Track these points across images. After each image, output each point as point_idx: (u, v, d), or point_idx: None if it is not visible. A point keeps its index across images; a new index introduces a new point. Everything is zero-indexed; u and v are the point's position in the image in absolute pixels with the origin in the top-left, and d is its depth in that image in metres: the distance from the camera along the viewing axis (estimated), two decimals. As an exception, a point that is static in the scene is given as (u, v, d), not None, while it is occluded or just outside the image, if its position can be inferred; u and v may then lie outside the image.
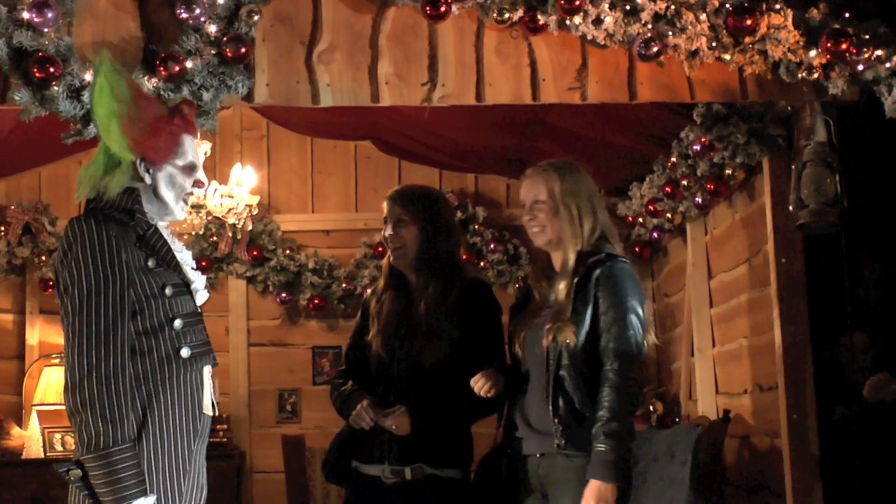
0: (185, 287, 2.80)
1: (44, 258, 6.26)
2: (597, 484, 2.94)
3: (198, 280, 2.87)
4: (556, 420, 3.03)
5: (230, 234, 6.33)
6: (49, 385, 6.05)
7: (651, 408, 5.85)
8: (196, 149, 2.91)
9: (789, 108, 4.13)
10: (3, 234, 6.27)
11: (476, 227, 6.56)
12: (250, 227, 6.23)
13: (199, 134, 2.99)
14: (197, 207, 5.73)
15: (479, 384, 3.13)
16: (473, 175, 6.81)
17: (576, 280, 3.06)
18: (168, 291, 2.73)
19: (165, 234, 2.85)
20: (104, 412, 2.51)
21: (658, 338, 6.38)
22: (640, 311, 3.06)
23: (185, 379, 2.71)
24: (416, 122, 5.45)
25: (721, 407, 5.14)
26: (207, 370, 2.80)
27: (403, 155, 6.64)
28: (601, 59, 3.87)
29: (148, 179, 2.81)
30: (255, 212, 6.07)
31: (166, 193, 2.84)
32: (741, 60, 3.74)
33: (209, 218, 5.94)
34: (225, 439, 6.19)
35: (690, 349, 5.66)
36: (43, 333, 6.47)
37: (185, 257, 2.87)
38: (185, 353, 2.71)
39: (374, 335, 3.46)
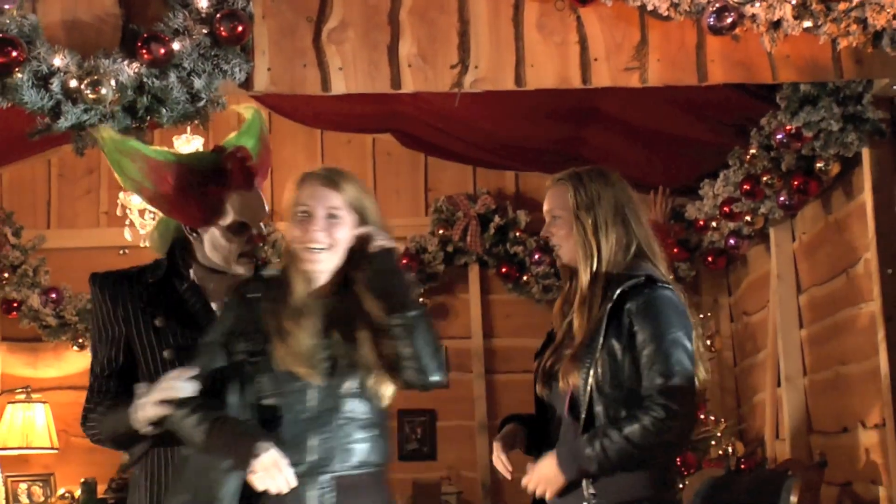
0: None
1: (6, 275, 6.29)
2: (552, 463, 2.97)
3: None
4: None
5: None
6: (13, 426, 6.09)
7: (729, 449, 5.80)
8: (250, 202, 3.12)
9: (894, 87, 4.08)
10: (-41, 247, 6.32)
11: (517, 234, 6.55)
12: (250, 237, 6.26)
13: (258, 181, 3.18)
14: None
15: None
16: (513, 173, 6.80)
17: (608, 307, 3.02)
18: (167, 355, 3.01)
19: (212, 287, 3.11)
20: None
21: (736, 364, 6.42)
22: (687, 344, 3.00)
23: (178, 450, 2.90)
24: (445, 110, 5.44)
25: (815, 448, 5.09)
26: None
27: (430, 150, 6.64)
28: (664, 33, 3.85)
29: (193, 239, 3.15)
30: (255, 219, 6.09)
31: (212, 254, 3.13)
32: (834, 31, 3.71)
33: (201, 227, 5.97)
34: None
35: (776, 378, 5.61)
36: (6, 364, 6.51)
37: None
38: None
39: None
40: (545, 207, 3.23)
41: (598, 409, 3.00)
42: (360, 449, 2.79)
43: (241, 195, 3.10)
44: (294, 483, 2.69)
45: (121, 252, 6.15)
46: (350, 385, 2.80)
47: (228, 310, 2.89)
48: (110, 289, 3.11)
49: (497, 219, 6.54)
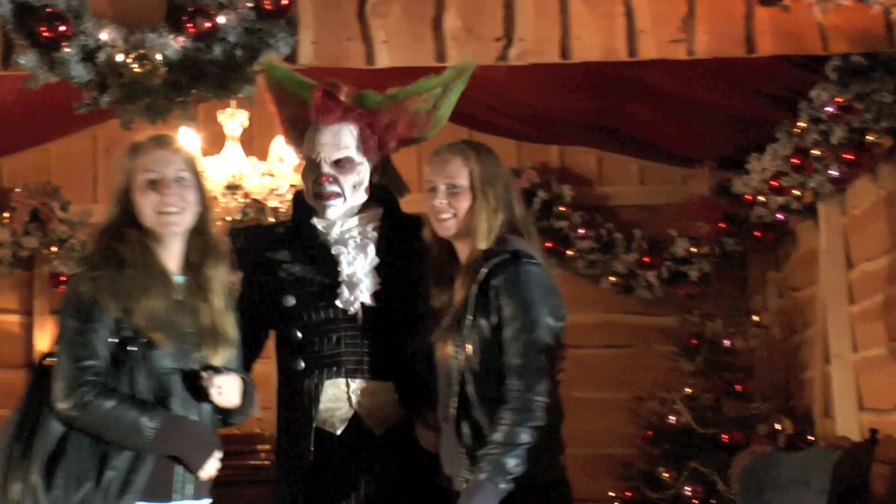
0: (328, 292, 3.11)
1: (54, 249, 6.37)
2: None
3: (348, 285, 3.13)
4: (462, 450, 3.01)
5: (272, 220, 6.38)
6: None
7: (777, 426, 5.79)
8: (320, 138, 3.15)
9: (948, 58, 4.05)
10: (6, 221, 6.37)
11: (562, 208, 6.54)
12: (295, 212, 6.28)
13: (334, 118, 3.18)
14: (233, 188, 5.79)
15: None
16: (558, 147, 6.78)
17: (475, 286, 3.01)
18: (291, 301, 3.13)
19: (338, 231, 3.17)
20: None
21: (784, 341, 6.38)
22: (549, 321, 3.01)
23: (295, 390, 3.09)
24: (490, 84, 5.44)
25: (866, 425, 5.06)
26: (336, 383, 3.10)
27: (475, 124, 6.62)
28: (712, 4, 3.83)
29: None
30: (300, 193, 6.10)
31: (305, 193, 3.22)
32: (887, 0, 3.67)
33: (247, 200, 5.99)
34: (268, 461, 6.24)
35: (825, 355, 5.58)
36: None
37: (347, 257, 3.15)
38: (300, 364, 3.11)
39: None
40: (441, 176, 3.15)
41: (470, 388, 3.01)
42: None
43: (313, 129, 3.16)
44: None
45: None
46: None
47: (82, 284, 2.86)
48: (243, 243, 3.25)
49: (541, 193, 6.53)
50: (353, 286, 3.13)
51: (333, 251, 3.16)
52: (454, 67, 3.32)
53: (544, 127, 6.46)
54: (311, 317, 3.12)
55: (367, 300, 3.14)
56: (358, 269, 3.15)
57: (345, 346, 3.11)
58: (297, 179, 6.00)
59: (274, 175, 5.96)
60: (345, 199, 3.16)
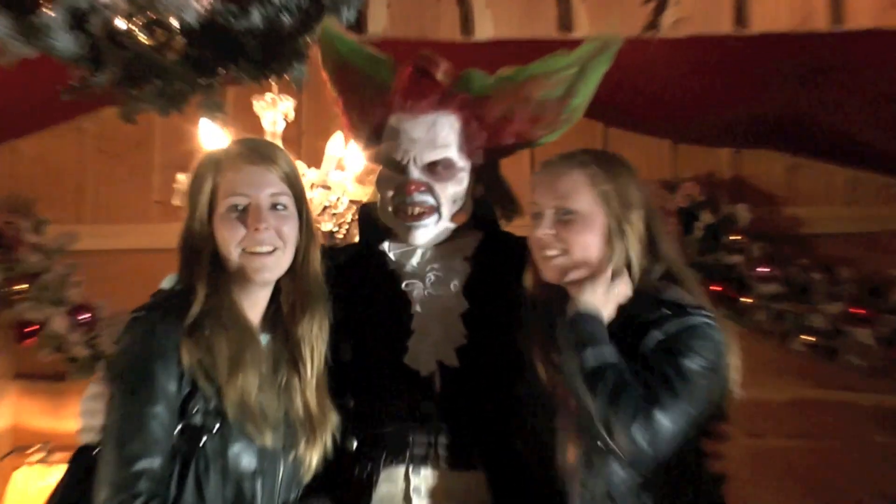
0: (394, 344, 3.13)
1: (23, 287, 6.40)
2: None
3: (421, 336, 3.14)
4: None
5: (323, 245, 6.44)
6: (26, 497, 6.20)
7: None
8: (413, 132, 3.18)
9: None
10: (-42, 246, 6.45)
11: (736, 237, 6.52)
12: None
13: (428, 105, 3.21)
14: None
15: None
16: (729, 151, 6.78)
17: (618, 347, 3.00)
18: (346, 354, 3.14)
19: (416, 261, 3.22)
20: None
21: None
22: (706, 381, 3.01)
23: (342, 477, 3.09)
24: (633, 64, 5.47)
25: None
26: (392, 476, 3.10)
27: (609, 117, 6.67)
28: (954, -48, 3.83)
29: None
30: (364, 212, 6.17)
31: (379, 208, 3.26)
32: None
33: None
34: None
35: None
36: (19, 411, 6.69)
37: (423, 297, 3.17)
38: (351, 443, 3.11)
39: None
40: (549, 196, 3.13)
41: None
42: None
43: (398, 119, 3.19)
44: None
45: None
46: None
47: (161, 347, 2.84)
48: None
49: (705, 216, 6.53)
50: (426, 337, 3.13)
51: (405, 288, 3.19)
52: (595, 40, 3.32)
53: (709, 122, 6.46)
54: (370, 378, 3.12)
55: (449, 358, 3.13)
56: (436, 313, 3.15)
57: (413, 422, 3.10)
58: (362, 193, 6.07)
59: (330, 187, 6.03)
60: (440, 215, 3.20)
